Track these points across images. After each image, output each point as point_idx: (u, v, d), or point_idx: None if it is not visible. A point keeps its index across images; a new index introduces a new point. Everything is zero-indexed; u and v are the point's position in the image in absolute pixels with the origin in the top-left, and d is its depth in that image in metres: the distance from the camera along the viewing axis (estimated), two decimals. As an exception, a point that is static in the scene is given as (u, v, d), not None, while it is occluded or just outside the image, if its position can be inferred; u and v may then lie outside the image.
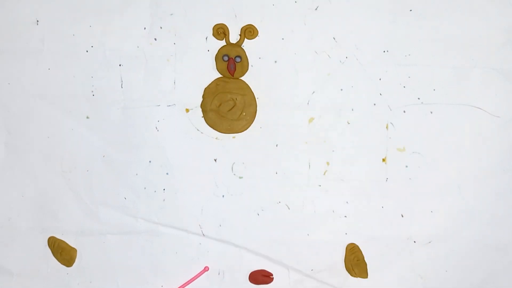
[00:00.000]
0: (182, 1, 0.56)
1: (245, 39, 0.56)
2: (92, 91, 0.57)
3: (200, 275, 0.57)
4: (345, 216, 0.56)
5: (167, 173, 0.57)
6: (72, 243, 0.59)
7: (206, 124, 0.57)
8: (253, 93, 0.56)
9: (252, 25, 0.56)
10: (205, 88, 0.56)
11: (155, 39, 0.56)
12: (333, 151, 0.56)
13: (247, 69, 0.56)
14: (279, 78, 0.56)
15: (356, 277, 0.56)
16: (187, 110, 0.57)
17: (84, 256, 0.59)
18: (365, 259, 0.56)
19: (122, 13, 0.57)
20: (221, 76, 0.56)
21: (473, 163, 0.55)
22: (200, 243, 0.57)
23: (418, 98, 0.55)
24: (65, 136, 0.58)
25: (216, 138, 0.57)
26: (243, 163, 0.57)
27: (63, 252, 0.58)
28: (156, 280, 0.58)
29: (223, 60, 0.55)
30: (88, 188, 0.58)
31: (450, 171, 0.55)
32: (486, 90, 0.55)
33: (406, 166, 0.56)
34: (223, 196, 0.57)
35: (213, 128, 0.56)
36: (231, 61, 0.55)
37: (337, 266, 0.57)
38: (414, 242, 0.56)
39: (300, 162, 0.56)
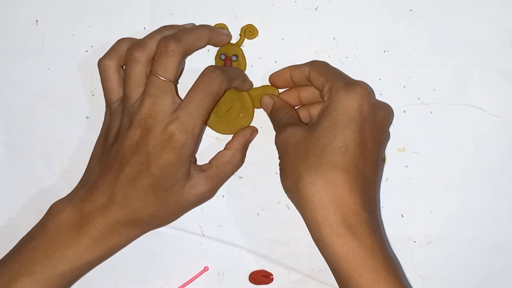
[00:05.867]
0: (182, 1, 0.56)
1: (245, 39, 0.56)
2: (92, 91, 0.57)
3: (200, 275, 0.57)
4: (345, 216, 0.56)
5: (167, 173, 0.57)
6: (72, 243, 0.58)
7: (205, 124, 0.57)
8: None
9: (252, 25, 0.55)
10: (205, 88, 0.56)
11: (155, 39, 0.56)
12: (333, 151, 0.56)
13: (245, 69, 0.55)
14: (279, 78, 0.56)
15: None
16: (187, 110, 0.57)
17: (84, 256, 0.59)
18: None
19: (122, 13, 0.57)
20: (221, 76, 0.56)
21: (473, 163, 0.55)
22: (200, 243, 0.57)
23: (418, 98, 0.55)
24: (65, 136, 0.58)
25: (216, 138, 0.57)
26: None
27: (63, 252, 0.58)
28: (156, 280, 0.58)
29: (220, 59, 0.55)
30: (88, 188, 0.58)
31: (450, 171, 0.55)
32: (486, 90, 0.55)
33: (406, 166, 0.56)
34: (223, 196, 0.57)
35: (212, 129, 0.56)
36: (228, 60, 0.55)
37: (337, 266, 0.56)
38: (414, 242, 0.56)
39: (300, 162, 0.56)
